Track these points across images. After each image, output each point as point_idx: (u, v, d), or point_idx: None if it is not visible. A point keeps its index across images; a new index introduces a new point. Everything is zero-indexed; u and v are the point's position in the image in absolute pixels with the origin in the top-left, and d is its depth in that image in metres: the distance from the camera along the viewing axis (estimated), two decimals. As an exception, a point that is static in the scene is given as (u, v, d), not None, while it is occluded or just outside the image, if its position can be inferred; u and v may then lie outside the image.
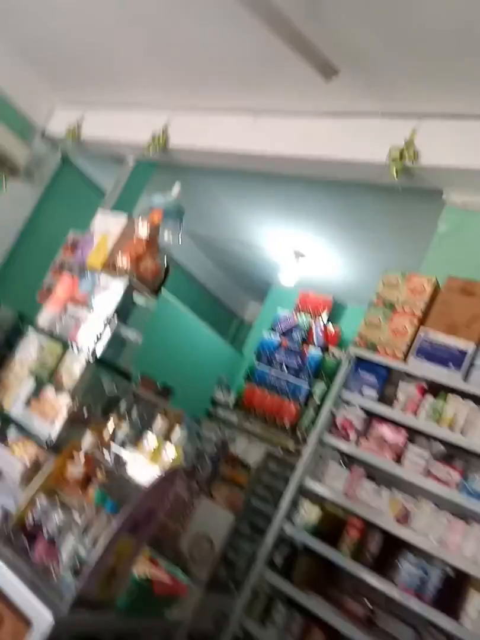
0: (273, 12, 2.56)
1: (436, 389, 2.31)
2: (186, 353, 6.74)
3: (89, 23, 4.06)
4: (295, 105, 3.60)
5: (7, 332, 5.35)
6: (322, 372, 5.42)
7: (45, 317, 1.93)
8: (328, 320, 5.80)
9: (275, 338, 5.75)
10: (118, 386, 2.72)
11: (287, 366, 5.57)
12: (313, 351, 5.47)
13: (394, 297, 2.52)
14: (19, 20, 4.49)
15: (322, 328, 5.63)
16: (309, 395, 5.34)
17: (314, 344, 5.55)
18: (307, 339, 5.62)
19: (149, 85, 4.40)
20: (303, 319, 5.78)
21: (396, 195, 3.58)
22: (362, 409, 2.40)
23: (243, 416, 5.63)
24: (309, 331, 5.66)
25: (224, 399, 6.06)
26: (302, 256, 5.69)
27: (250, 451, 4.25)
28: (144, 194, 5.09)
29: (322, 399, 5.35)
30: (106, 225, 1.92)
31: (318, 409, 5.30)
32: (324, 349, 5.51)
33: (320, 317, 5.80)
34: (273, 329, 5.89)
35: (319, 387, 5.35)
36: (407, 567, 2.16)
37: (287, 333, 5.79)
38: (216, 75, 3.85)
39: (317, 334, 5.60)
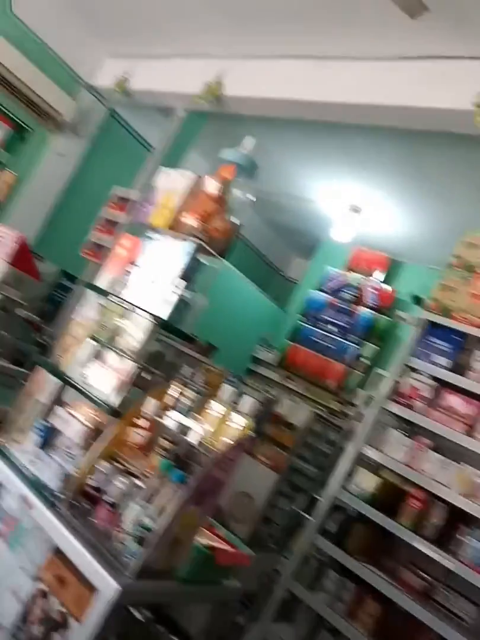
0: None
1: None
2: (228, 309, 6.65)
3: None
4: (366, 50, 3.36)
5: (52, 287, 5.40)
6: (375, 333, 5.29)
7: (105, 278, 1.86)
8: (383, 280, 5.62)
9: (323, 296, 5.63)
10: (162, 342, 2.67)
11: (335, 325, 5.45)
12: (364, 311, 5.33)
13: (475, 259, 2.35)
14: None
15: (376, 287, 5.46)
16: (358, 356, 5.23)
17: (365, 304, 5.40)
18: (358, 299, 5.46)
19: (202, 33, 4.22)
20: (355, 277, 5.61)
21: (471, 145, 3.36)
22: (431, 377, 2.29)
23: (286, 375, 5.58)
24: (360, 290, 5.50)
25: (266, 357, 6.02)
26: (358, 211, 5.42)
27: (294, 411, 4.21)
28: (195, 147, 4.97)
29: (373, 360, 5.26)
30: (171, 182, 1.81)
31: (368, 370, 5.22)
32: (377, 309, 5.36)
33: (374, 276, 5.62)
34: (321, 288, 5.76)
35: (369, 349, 5.24)
36: (474, 543, 2.08)
37: (336, 291, 5.65)
38: (275, 17, 3.61)
39: (370, 294, 5.44)
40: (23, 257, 2.31)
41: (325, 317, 5.54)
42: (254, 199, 1.76)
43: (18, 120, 5.20)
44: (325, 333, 5.47)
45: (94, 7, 4.68)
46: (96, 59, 5.40)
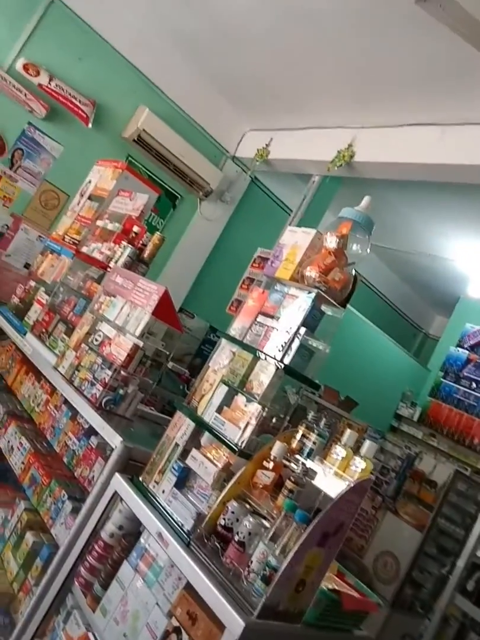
0: (463, 18, 2.44)
1: None
2: (369, 365, 6.64)
3: (277, 53, 4.30)
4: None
5: (201, 342, 5.75)
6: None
7: (236, 327, 2.00)
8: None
9: (463, 353, 5.45)
10: (304, 396, 2.75)
11: (476, 382, 5.25)
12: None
13: None
14: (214, 56, 4.88)
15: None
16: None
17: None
18: (499, 355, 5.21)
19: (333, 105, 4.51)
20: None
21: None
22: None
23: (428, 432, 5.42)
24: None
25: (409, 414, 5.88)
26: (495, 268, 5.31)
27: (437, 469, 4.04)
28: (329, 209, 5.17)
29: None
30: (295, 239, 1.95)
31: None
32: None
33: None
34: (461, 344, 5.58)
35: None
36: None
37: (476, 348, 5.44)
38: (402, 89, 3.83)
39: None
40: (165, 309, 2.52)
41: (467, 374, 5.35)
42: (368, 252, 1.84)
43: (170, 189, 5.77)
44: (467, 390, 5.28)
45: (237, 87, 5.16)
46: (239, 132, 5.87)
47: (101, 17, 5.07)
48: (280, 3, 3.67)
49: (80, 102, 5.03)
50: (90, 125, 5.16)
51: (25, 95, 4.83)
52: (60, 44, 5.01)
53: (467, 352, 5.44)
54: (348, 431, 1.64)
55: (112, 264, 3.13)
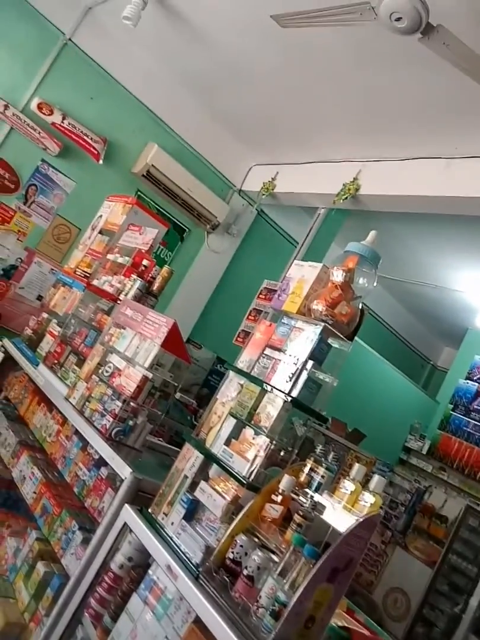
0: (466, 54, 2.51)
1: None
2: (376, 397, 6.61)
3: (282, 89, 4.41)
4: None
5: (208, 372, 5.77)
6: None
7: (244, 359, 2.03)
8: None
9: (472, 385, 5.43)
10: (312, 428, 2.76)
11: (486, 415, 5.21)
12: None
13: None
14: (220, 94, 5.02)
15: None
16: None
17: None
18: (509, 388, 5.20)
19: (339, 139, 4.60)
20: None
21: None
22: None
23: (438, 466, 5.36)
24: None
25: (418, 447, 5.82)
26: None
27: (448, 503, 3.99)
28: (335, 241, 5.23)
29: None
30: (301, 273, 1.99)
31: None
32: None
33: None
34: (470, 376, 5.56)
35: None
36: None
37: (485, 380, 5.43)
38: (406, 123, 3.91)
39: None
40: (174, 341, 2.55)
41: (477, 407, 5.31)
42: (375, 286, 1.87)
43: (178, 222, 5.88)
44: (478, 423, 5.23)
45: (243, 123, 5.28)
46: (245, 166, 5.99)
47: (112, 58, 5.25)
48: (284, 41, 3.78)
49: (91, 139, 5.16)
50: (101, 161, 5.29)
51: (39, 133, 4.97)
52: (73, 84, 5.17)
53: (476, 384, 5.43)
54: (357, 465, 1.65)
55: (122, 297, 3.18)
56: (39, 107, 4.93)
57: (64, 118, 5.02)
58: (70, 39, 5.05)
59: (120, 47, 5.17)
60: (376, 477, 1.64)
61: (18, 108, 4.90)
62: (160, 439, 3.43)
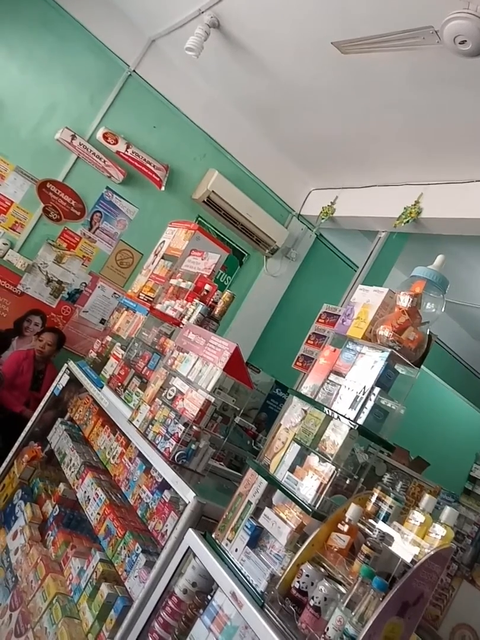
0: None
1: None
2: (440, 424, 6.44)
3: (340, 114, 4.42)
4: None
5: (266, 396, 5.75)
6: None
7: (308, 385, 2.02)
8: None
9: None
10: (373, 455, 2.70)
11: None
12: None
13: None
14: (279, 120, 5.08)
15: None
16: None
17: None
18: None
19: (399, 163, 4.57)
20: None
21: None
22: None
23: (507, 497, 5.14)
24: None
25: (484, 477, 5.60)
26: None
27: (519, 537, 3.81)
28: (396, 265, 5.16)
29: None
30: (366, 297, 1.97)
31: None
32: None
33: None
34: None
35: None
36: None
37: None
38: (468, 145, 3.85)
39: None
40: (236, 365, 2.57)
41: None
42: (442, 311, 1.83)
43: (237, 247, 5.94)
44: None
45: (302, 148, 5.32)
46: (304, 191, 6.02)
47: (174, 88, 5.41)
48: (343, 66, 3.80)
49: (154, 166, 5.31)
50: (163, 188, 5.42)
51: (105, 162, 5.15)
52: (137, 114, 5.36)
53: None
54: (427, 496, 1.60)
55: (184, 321, 3.23)
56: (105, 136, 5.12)
57: (128, 147, 5.19)
58: (134, 71, 5.25)
59: (182, 76, 5.34)
60: (448, 509, 1.59)
61: (85, 138, 5.11)
62: (221, 462, 3.44)
